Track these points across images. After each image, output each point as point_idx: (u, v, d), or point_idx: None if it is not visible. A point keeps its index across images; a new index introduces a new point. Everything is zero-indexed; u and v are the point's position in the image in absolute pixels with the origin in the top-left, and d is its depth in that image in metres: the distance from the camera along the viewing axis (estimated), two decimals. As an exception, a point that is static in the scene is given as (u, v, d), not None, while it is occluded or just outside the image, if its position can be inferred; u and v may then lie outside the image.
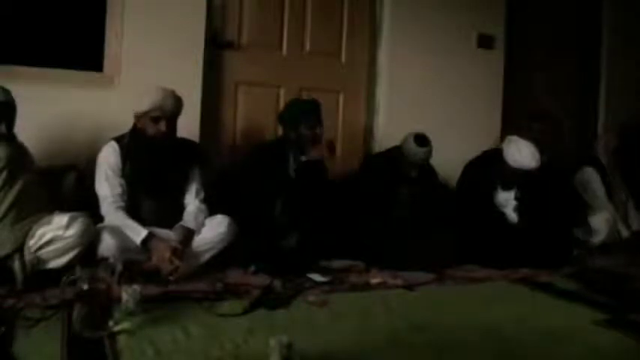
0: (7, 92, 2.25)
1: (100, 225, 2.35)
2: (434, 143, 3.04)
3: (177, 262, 2.29)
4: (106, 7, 2.88)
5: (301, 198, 2.81)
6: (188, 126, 2.68)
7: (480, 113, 3.83)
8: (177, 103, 2.50)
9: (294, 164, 2.86)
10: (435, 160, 3.19)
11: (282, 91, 3.38)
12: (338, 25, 3.55)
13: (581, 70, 4.44)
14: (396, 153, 3.09)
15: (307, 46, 3.46)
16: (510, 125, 3.83)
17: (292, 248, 2.65)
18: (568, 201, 3.41)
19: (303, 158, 2.84)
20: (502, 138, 3.43)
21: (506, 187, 3.16)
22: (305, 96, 3.40)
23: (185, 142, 2.64)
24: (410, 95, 3.62)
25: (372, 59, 3.65)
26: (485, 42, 3.83)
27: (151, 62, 2.90)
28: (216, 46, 3.19)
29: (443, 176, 3.37)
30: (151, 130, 2.45)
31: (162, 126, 2.44)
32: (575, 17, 4.40)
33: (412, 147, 2.99)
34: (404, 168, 3.06)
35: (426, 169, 3.14)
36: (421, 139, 3.00)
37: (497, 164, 3.11)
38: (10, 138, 2.22)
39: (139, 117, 2.48)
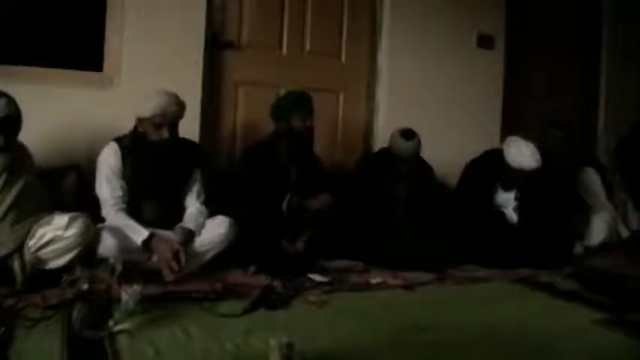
0: (9, 105, 2.13)
1: (100, 225, 2.35)
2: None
3: (176, 264, 2.29)
4: (106, 7, 2.88)
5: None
6: (188, 126, 2.68)
7: (479, 113, 3.83)
8: (180, 108, 2.47)
9: (288, 203, 2.77)
10: (435, 160, 3.19)
11: (282, 91, 3.37)
12: (338, 25, 3.55)
13: (581, 70, 4.44)
14: (387, 152, 3.08)
15: (307, 46, 3.47)
16: (510, 125, 3.83)
17: (299, 251, 2.65)
18: (568, 201, 3.41)
19: (304, 204, 2.78)
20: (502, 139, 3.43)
21: (507, 188, 3.16)
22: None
23: (186, 143, 2.63)
24: (410, 95, 3.62)
25: (372, 59, 3.65)
26: (485, 42, 3.83)
27: (150, 62, 2.90)
28: (216, 46, 3.19)
29: (443, 176, 3.36)
30: (153, 135, 2.43)
31: (165, 132, 2.42)
32: (575, 17, 4.40)
33: (399, 142, 2.97)
34: (396, 165, 3.03)
35: (421, 168, 3.12)
36: (407, 133, 2.97)
37: (497, 164, 3.11)
38: (8, 147, 2.16)
39: (140, 121, 2.46)
